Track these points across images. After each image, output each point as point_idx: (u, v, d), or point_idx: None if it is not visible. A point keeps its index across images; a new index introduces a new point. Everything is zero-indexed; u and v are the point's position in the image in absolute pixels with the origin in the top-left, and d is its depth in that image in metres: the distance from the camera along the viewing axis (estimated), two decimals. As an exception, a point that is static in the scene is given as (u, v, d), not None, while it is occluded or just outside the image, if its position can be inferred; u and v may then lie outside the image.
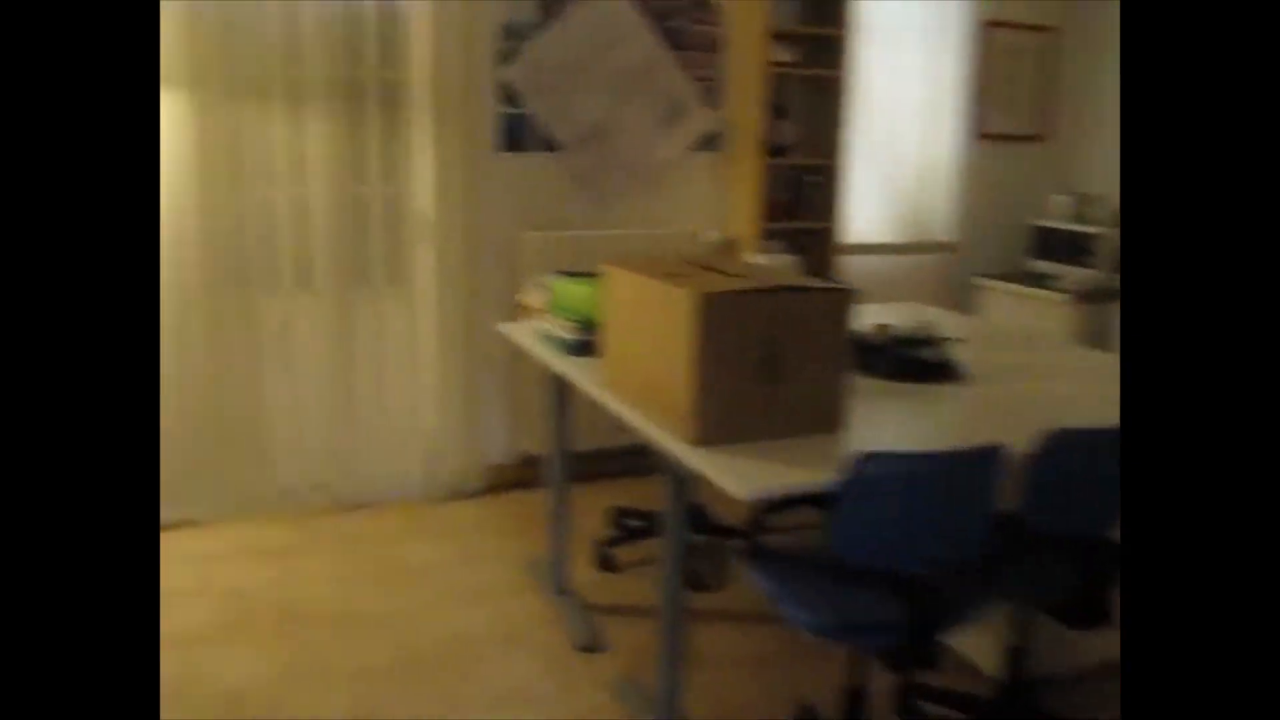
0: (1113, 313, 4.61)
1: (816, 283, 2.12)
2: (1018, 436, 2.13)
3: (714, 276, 2.17)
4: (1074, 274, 4.76)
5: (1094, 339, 4.59)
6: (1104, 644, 2.94)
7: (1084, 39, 5.17)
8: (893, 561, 1.99)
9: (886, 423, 2.29)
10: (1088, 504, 2.16)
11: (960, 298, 5.15)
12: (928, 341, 2.79)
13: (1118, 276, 4.61)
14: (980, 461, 1.95)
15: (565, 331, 2.81)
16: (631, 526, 3.79)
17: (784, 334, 2.06)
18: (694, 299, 1.97)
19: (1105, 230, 4.70)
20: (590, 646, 3.03)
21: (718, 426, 2.05)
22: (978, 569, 2.10)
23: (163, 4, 3.41)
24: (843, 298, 2.11)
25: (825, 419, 2.15)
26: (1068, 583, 2.21)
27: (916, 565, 1.99)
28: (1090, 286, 4.62)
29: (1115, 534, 2.23)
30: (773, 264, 3.04)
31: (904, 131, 4.85)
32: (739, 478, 1.88)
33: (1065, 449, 2.07)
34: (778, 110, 4.36)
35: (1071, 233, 4.86)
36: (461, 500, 4.15)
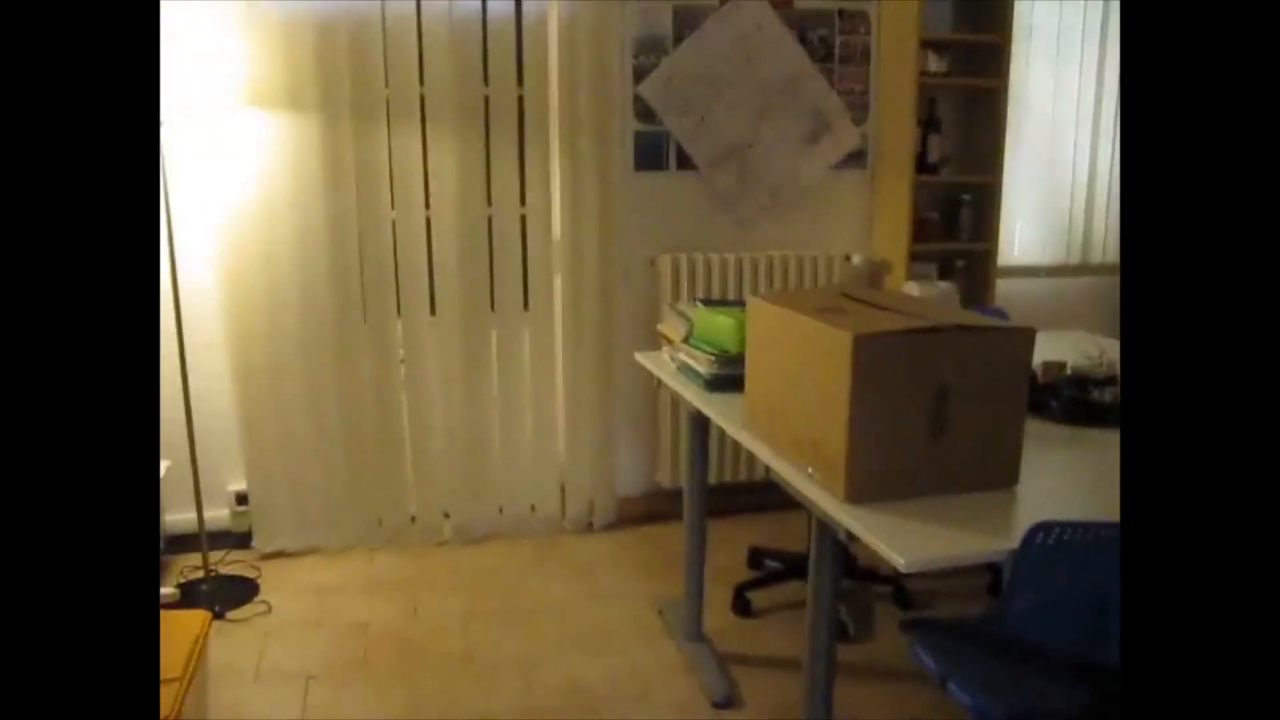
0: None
1: (992, 321, 1.88)
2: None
3: (872, 313, 1.95)
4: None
5: None
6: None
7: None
8: (1075, 644, 1.73)
9: (1063, 476, 2.03)
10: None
11: (1127, 323, 4.77)
12: (1105, 380, 2.51)
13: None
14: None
15: (705, 365, 2.62)
16: (770, 568, 3.57)
17: (954, 380, 1.83)
18: (852, 340, 1.76)
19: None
20: (726, 701, 2.83)
21: (875, 482, 1.83)
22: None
23: (294, 26, 3.37)
24: (1022, 339, 1.87)
25: (997, 474, 1.91)
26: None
27: (1104, 650, 1.73)
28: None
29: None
30: (932, 294, 2.80)
31: (1066, 144, 4.51)
32: (899, 543, 1.66)
33: None
34: (929, 124, 4.09)
35: (1255, 254, 4.44)
36: (592, 534, 4.01)
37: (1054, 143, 4.48)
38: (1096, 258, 4.66)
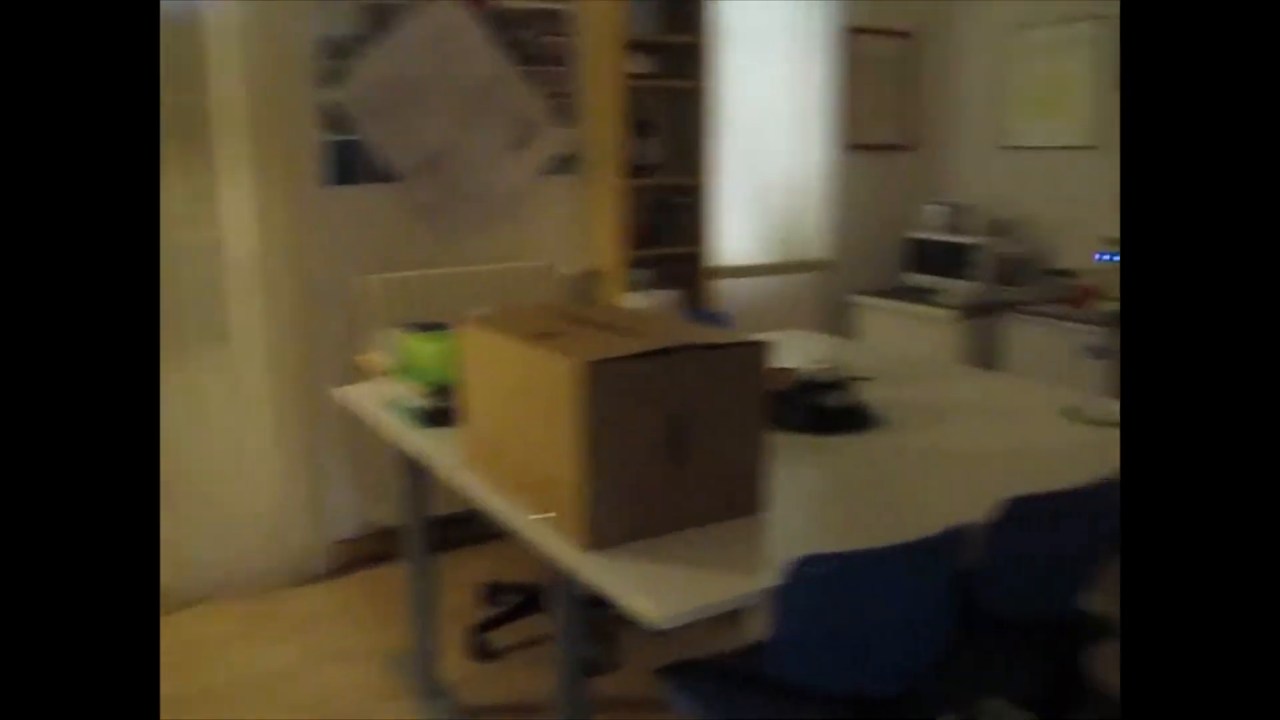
0: (997, 326, 4.40)
1: (724, 337, 1.74)
2: (954, 498, 1.82)
3: (595, 334, 1.76)
4: (954, 287, 4.54)
5: (980, 354, 4.37)
6: None
7: (941, 44, 4.99)
8: (841, 680, 1.62)
9: (810, 492, 1.93)
10: (1050, 579, 1.84)
11: (838, 318, 4.89)
12: (835, 385, 2.45)
13: (998, 287, 4.41)
14: (938, 550, 1.60)
15: (416, 398, 2.36)
16: (508, 603, 3.34)
17: (690, 403, 1.67)
18: (578, 369, 1.56)
19: (982, 240, 4.50)
20: (469, 763, 2.58)
21: (615, 525, 1.64)
22: (941, 675, 1.75)
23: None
24: (756, 354, 1.74)
25: (745, 501, 1.77)
26: (1037, 671, 1.89)
27: (869, 682, 1.63)
28: (971, 300, 4.40)
29: (1081, 608, 1.93)
30: (655, 305, 2.66)
31: (771, 145, 4.55)
32: (650, 593, 1.48)
33: (1025, 519, 1.73)
34: (638, 126, 3.99)
35: (948, 244, 4.65)
36: (308, 584, 3.62)
37: (760, 143, 4.51)
38: (807, 255, 4.73)
